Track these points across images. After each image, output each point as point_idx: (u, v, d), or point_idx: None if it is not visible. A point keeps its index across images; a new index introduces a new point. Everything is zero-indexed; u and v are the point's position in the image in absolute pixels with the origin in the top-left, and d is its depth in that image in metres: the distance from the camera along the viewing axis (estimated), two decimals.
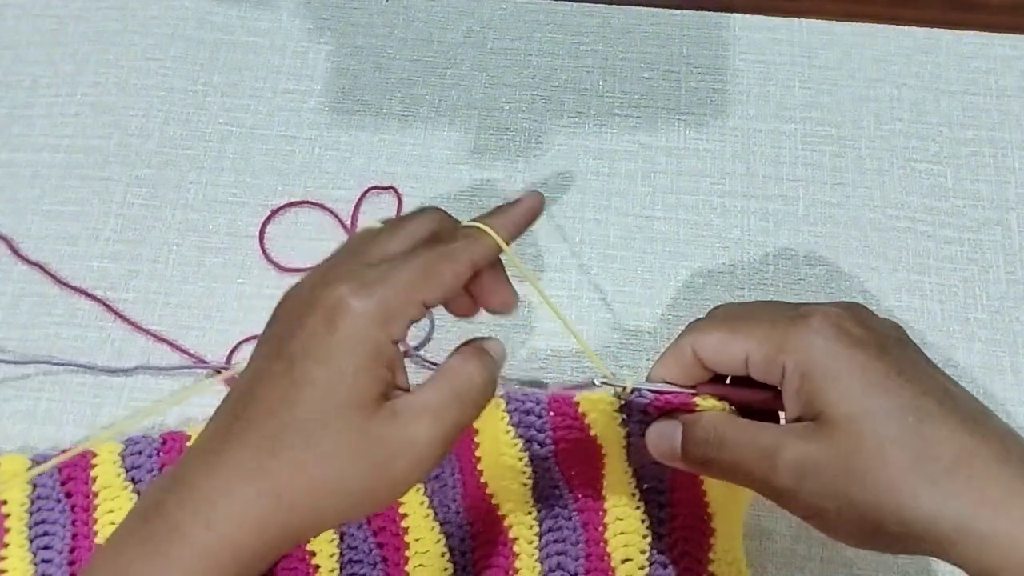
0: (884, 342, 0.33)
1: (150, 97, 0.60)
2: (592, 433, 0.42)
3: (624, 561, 0.43)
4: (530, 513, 0.44)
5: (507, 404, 0.44)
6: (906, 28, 0.61)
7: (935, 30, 0.61)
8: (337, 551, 0.44)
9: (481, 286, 0.37)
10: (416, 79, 0.60)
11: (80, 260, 0.55)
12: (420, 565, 0.43)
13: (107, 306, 0.53)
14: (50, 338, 0.53)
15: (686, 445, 0.36)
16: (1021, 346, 0.52)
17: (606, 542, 0.44)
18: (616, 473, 0.43)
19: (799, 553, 0.47)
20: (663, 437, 0.37)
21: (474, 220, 0.38)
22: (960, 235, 0.55)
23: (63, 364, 0.51)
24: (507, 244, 0.37)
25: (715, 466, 0.36)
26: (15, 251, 0.55)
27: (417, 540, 0.44)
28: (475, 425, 0.44)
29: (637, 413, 0.41)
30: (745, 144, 0.58)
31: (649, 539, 0.43)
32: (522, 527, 0.44)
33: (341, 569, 0.44)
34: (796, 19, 0.62)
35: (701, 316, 0.38)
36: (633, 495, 0.44)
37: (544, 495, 0.44)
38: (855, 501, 0.31)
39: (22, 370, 0.52)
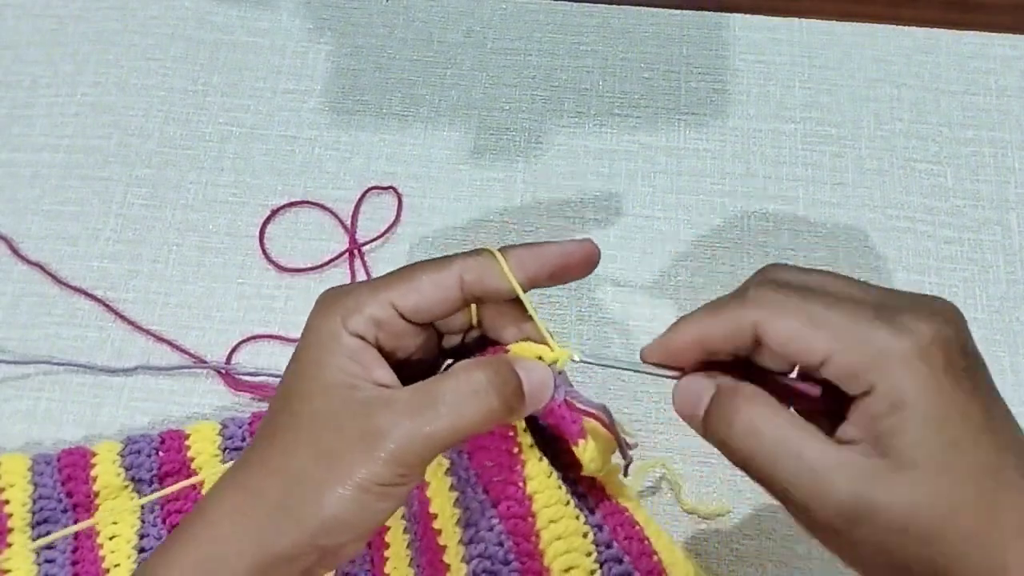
0: (979, 376, 0.29)
1: (150, 97, 0.60)
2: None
3: (568, 569, 0.37)
4: (453, 516, 0.39)
5: None
6: (906, 28, 0.61)
7: (935, 30, 0.61)
8: None
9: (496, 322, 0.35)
10: (416, 79, 0.60)
11: (80, 260, 0.55)
12: (395, 568, 0.42)
13: (107, 306, 0.53)
14: (50, 338, 0.53)
15: (710, 418, 0.31)
16: (1021, 346, 0.52)
17: (542, 553, 0.37)
18: (532, 459, 0.37)
19: (799, 553, 0.47)
20: (689, 394, 0.32)
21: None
22: (960, 235, 0.55)
23: (63, 364, 0.51)
24: (525, 279, 0.33)
25: (738, 456, 0.30)
26: (15, 251, 0.55)
27: (394, 541, 0.43)
28: None
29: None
30: (745, 144, 0.58)
31: (591, 536, 0.38)
32: (450, 536, 0.39)
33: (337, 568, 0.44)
34: (796, 19, 0.62)
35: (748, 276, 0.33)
36: (560, 487, 0.37)
37: (464, 493, 0.39)
38: (908, 556, 0.28)
39: (22, 370, 0.52)
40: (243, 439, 0.46)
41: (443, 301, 0.33)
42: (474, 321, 0.36)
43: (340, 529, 0.31)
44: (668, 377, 0.34)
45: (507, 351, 0.35)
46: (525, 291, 0.33)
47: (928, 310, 0.29)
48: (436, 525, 0.39)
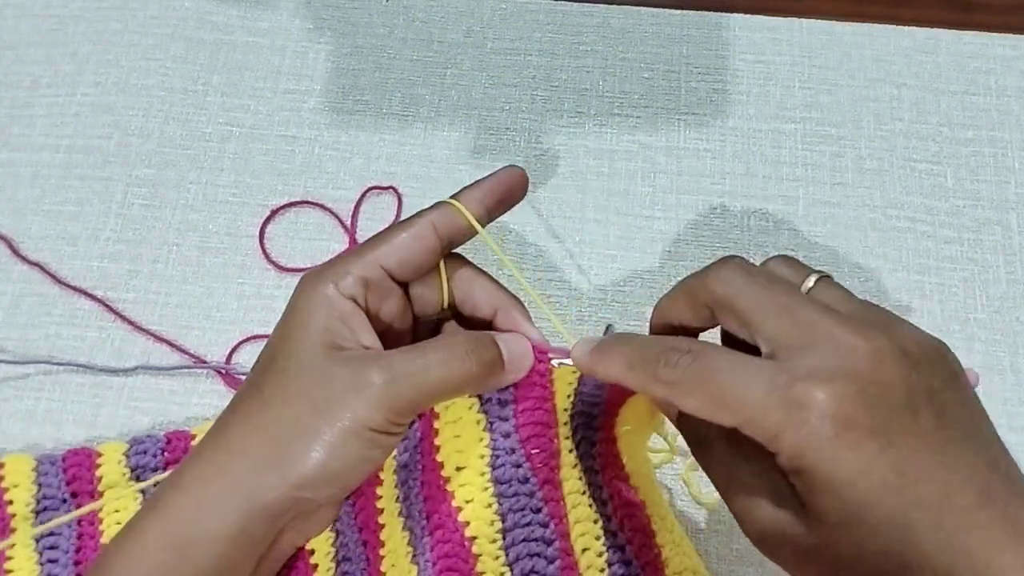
0: (891, 423, 0.29)
1: (150, 97, 0.60)
2: (550, 385, 0.38)
3: (584, 551, 0.39)
4: (490, 506, 0.38)
5: None
6: (906, 28, 0.61)
7: (935, 30, 0.61)
8: (333, 550, 0.43)
9: (470, 291, 0.38)
10: (416, 79, 0.60)
11: (80, 260, 0.55)
12: (393, 565, 0.41)
13: (107, 306, 0.53)
14: (50, 338, 0.53)
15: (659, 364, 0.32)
16: (1021, 346, 0.52)
17: (568, 535, 0.39)
18: (565, 450, 0.39)
19: None
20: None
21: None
22: (960, 235, 0.55)
23: (63, 364, 0.51)
24: (482, 215, 0.37)
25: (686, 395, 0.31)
26: (15, 251, 0.55)
27: (389, 538, 0.41)
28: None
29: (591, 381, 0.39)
30: (745, 144, 0.58)
31: (601, 524, 0.39)
32: (481, 523, 0.38)
33: (337, 566, 0.43)
34: (796, 19, 0.62)
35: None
36: (580, 478, 0.39)
37: (505, 478, 0.38)
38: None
39: (22, 370, 0.52)
40: None
41: (423, 249, 0.36)
42: (446, 300, 0.38)
43: (325, 478, 0.32)
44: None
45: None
46: (485, 223, 0.38)
47: (831, 370, 0.29)
48: (462, 518, 0.39)
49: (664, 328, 0.36)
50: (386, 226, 0.38)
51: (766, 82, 0.60)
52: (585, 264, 0.54)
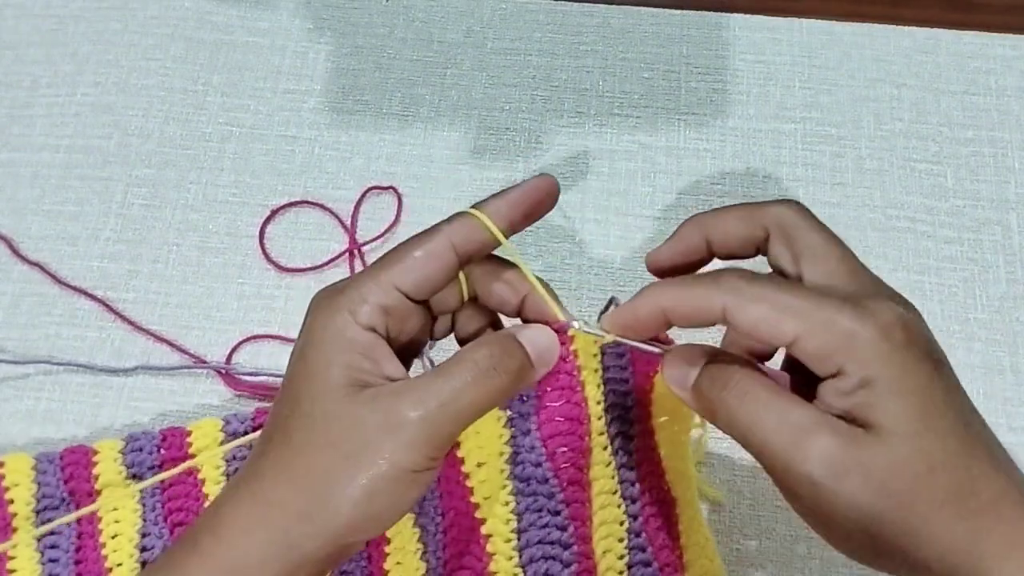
0: (940, 358, 0.31)
1: (150, 97, 0.60)
2: (576, 372, 0.37)
3: (605, 552, 0.38)
4: (506, 504, 0.38)
5: None
6: (906, 28, 0.61)
7: (935, 30, 0.61)
8: None
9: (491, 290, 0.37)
10: (416, 79, 0.60)
11: (80, 260, 0.55)
12: (398, 563, 0.41)
13: (107, 306, 0.53)
14: (50, 338, 0.53)
15: (702, 380, 0.33)
16: (1021, 346, 0.52)
17: (590, 539, 0.38)
18: (598, 445, 0.38)
19: (799, 553, 0.47)
20: (681, 361, 0.34)
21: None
22: (960, 235, 0.55)
23: (63, 364, 0.51)
24: (506, 226, 0.34)
25: (726, 418, 0.32)
26: (15, 251, 0.55)
27: (397, 534, 0.41)
28: None
29: (613, 353, 0.38)
30: (745, 144, 0.58)
31: (627, 525, 0.39)
32: (497, 521, 0.38)
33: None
34: (796, 19, 0.62)
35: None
36: (613, 477, 0.38)
37: (524, 476, 0.38)
38: (884, 518, 0.29)
39: (22, 370, 0.52)
40: (245, 433, 0.46)
41: (441, 269, 0.34)
42: (466, 295, 0.37)
43: (368, 525, 0.31)
44: (654, 353, 0.35)
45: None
46: (507, 236, 0.35)
47: (890, 295, 0.32)
48: (479, 515, 0.38)
49: (695, 241, 0.36)
50: (399, 238, 0.36)
51: (766, 82, 0.60)
52: (585, 264, 0.54)
